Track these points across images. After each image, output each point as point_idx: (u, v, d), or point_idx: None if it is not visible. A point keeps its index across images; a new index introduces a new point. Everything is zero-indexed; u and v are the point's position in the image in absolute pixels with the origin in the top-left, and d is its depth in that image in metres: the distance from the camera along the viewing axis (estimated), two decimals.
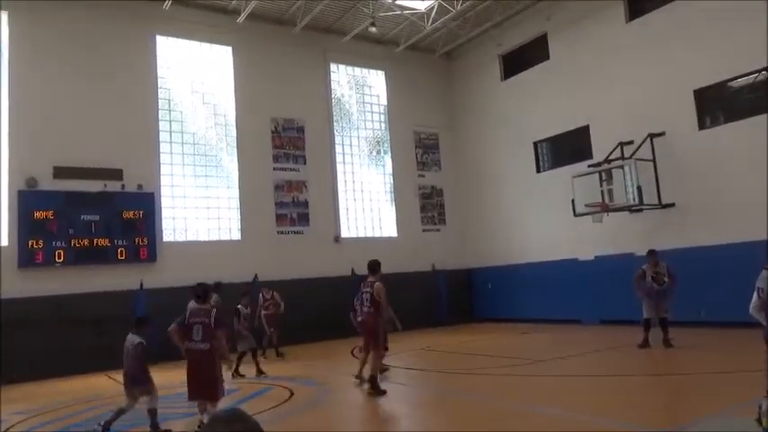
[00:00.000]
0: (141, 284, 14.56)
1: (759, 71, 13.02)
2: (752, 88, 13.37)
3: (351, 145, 19.72)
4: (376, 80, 20.60)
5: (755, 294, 5.28)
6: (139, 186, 15.32)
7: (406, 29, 18.87)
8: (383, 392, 8.46)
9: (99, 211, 14.54)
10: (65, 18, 14.87)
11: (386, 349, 9.61)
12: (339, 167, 19.18)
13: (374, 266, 9.15)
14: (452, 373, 10.25)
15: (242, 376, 10.98)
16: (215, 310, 6.96)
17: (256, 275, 16.32)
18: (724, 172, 13.21)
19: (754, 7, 12.60)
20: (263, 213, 17.31)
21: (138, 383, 7.10)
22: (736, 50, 13.00)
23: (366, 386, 8.68)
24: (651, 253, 11.27)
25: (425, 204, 20.79)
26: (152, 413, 7.02)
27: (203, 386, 6.70)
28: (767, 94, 13.07)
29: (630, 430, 5.83)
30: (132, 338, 7.16)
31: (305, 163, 18.31)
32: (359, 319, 9.33)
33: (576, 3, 16.87)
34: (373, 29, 17.84)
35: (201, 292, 7.10)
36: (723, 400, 6.64)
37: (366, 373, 8.97)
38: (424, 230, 20.48)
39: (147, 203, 15.30)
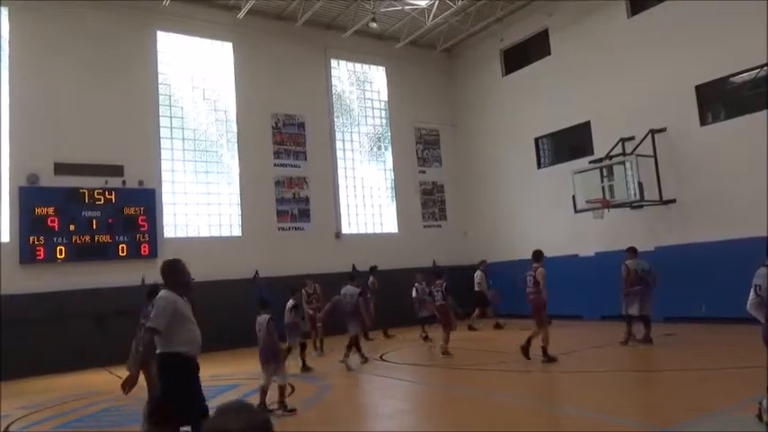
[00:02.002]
0: (143, 280, 14.52)
1: (761, 67, 12.97)
2: (754, 84, 13.34)
3: (351, 141, 19.70)
4: (377, 76, 20.56)
5: (753, 291, 5.24)
6: (140, 182, 15.32)
7: (406, 24, 18.82)
8: (555, 359, 9.71)
9: (100, 208, 14.55)
10: (65, 14, 14.84)
11: (549, 322, 10.66)
12: (340, 163, 19.17)
13: (538, 255, 10.53)
14: (455, 369, 10.27)
15: (309, 369, 11.00)
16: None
17: (257, 271, 16.34)
18: (725, 168, 13.19)
19: (756, 3, 12.55)
20: (263, 209, 17.31)
21: (273, 359, 7.52)
22: (737, 46, 12.96)
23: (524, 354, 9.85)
24: (633, 250, 11.41)
25: (426, 200, 20.78)
26: (281, 389, 7.39)
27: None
28: None
29: (632, 429, 5.83)
30: (262, 318, 7.66)
31: (305, 159, 18.29)
32: (529, 297, 10.42)
33: None
34: (374, 24, 17.80)
35: (151, 291, 6.89)
36: (724, 397, 6.64)
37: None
38: (424, 226, 20.48)
39: (148, 199, 15.30)
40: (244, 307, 15.82)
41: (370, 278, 15.44)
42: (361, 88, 20.26)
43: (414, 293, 14.62)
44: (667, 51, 14.44)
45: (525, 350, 9.97)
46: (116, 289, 14.07)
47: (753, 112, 12.91)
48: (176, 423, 4.82)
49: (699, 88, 13.96)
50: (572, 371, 9.31)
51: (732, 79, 13.69)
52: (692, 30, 13.90)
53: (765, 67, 12.92)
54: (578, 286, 15.71)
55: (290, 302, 11.02)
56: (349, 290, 11.31)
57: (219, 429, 1.49)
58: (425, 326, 14.16)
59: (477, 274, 16.32)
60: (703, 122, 13.95)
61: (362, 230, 19.31)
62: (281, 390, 7.46)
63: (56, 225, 13.97)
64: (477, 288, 16.25)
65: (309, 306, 13.23)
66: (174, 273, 5.07)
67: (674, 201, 14.17)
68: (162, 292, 4.98)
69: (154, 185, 15.58)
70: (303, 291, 13.36)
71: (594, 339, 12.46)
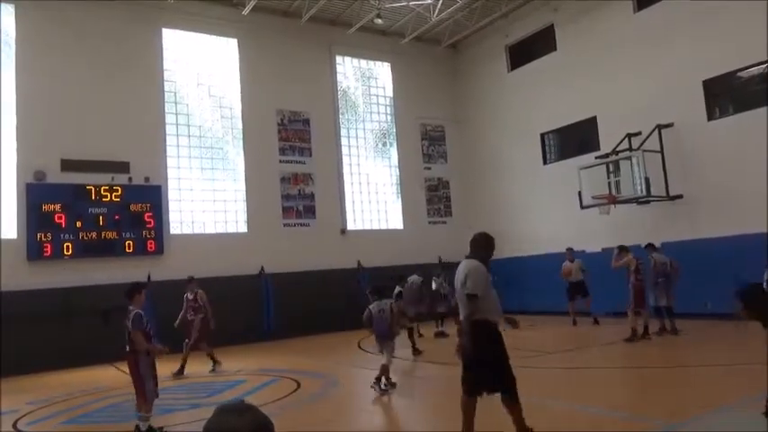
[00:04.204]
0: (149, 277, 14.62)
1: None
2: (761, 78, 13.23)
3: (357, 137, 19.69)
4: (382, 72, 20.52)
5: (766, 285, 5.20)
6: (146, 179, 15.37)
7: (411, 20, 18.77)
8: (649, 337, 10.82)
9: (106, 204, 14.62)
10: (72, 11, 14.89)
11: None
12: (345, 160, 19.17)
13: (623, 248, 11.77)
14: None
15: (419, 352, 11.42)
16: (135, 312, 6.55)
17: (263, 268, 16.39)
18: (733, 163, 13.10)
19: None
20: (269, 206, 17.33)
21: (389, 338, 8.38)
22: (745, 40, 12.85)
23: None
24: (652, 246, 11.97)
25: (431, 197, 20.75)
26: (384, 369, 8.08)
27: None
28: None
29: (637, 424, 5.81)
30: (380, 304, 8.47)
31: (311, 155, 18.30)
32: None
33: None
34: (379, 20, 17.75)
35: (131, 289, 6.80)
36: (730, 394, 6.62)
37: None
38: (430, 222, 20.46)
39: (155, 196, 15.35)
40: (250, 303, 16.00)
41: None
42: (366, 84, 20.24)
43: (433, 286, 14.45)
44: (674, 46, 14.35)
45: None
46: (122, 285, 13.88)
47: (761, 106, 12.82)
48: (487, 390, 5.08)
49: (706, 83, 13.87)
50: (577, 367, 9.29)
51: (740, 74, 13.58)
52: (699, 24, 13.80)
53: None
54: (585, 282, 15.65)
55: (397, 289, 11.72)
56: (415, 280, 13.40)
57: (223, 429, 1.46)
58: (440, 321, 14.10)
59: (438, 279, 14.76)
60: (711, 117, 13.86)
61: (368, 227, 19.31)
62: (383, 368, 8.14)
63: (63, 222, 14.04)
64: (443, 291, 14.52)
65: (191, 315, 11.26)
66: (487, 245, 5.39)
67: (680, 196, 14.08)
68: (474, 262, 5.19)
69: (160, 182, 15.63)
70: (184, 296, 11.49)
71: (603, 336, 12.43)
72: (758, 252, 10.75)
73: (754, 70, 13.30)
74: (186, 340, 11.05)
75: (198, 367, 11.06)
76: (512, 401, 5.07)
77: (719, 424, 5.31)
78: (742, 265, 12.13)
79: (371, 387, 8.09)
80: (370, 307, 8.49)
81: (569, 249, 14.80)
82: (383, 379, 8.10)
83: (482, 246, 5.35)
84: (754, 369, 6.87)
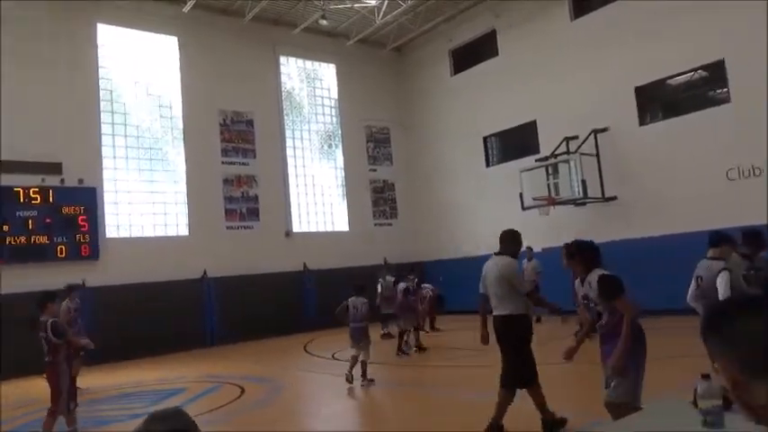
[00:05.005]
0: (83, 283, 13.97)
1: (695, 69, 13.64)
2: (688, 86, 14.01)
3: (302, 139, 19.52)
4: (327, 73, 20.44)
5: (694, 283, 5.42)
6: (80, 181, 14.70)
7: (356, 22, 18.78)
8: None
9: (36, 207, 13.89)
10: (1, 4, 14.07)
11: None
12: (290, 161, 18.96)
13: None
14: (408, 366, 10.32)
15: (406, 354, 11.17)
16: (51, 321, 6.35)
17: (205, 271, 16.00)
18: (663, 166, 13.78)
19: (691, 7, 13.16)
20: (211, 208, 16.92)
21: (366, 338, 8.68)
22: (674, 49, 13.56)
23: None
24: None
25: (377, 198, 20.82)
26: (363, 365, 8.52)
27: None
28: (702, 91, 13.73)
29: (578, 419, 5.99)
30: (359, 300, 8.76)
31: (255, 157, 18.00)
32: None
33: (524, 1, 17.19)
34: (324, 21, 17.68)
35: (43, 298, 6.52)
36: (660, 386, 6.92)
37: None
38: (375, 224, 20.52)
39: (89, 198, 14.70)
40: (192, 308, 15.58)
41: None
42: (311, 85, 20.10)
43: (378, 289, 13.83)
44: (608, 53, 14.97)
45: None
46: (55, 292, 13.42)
47: (688, 112, 13.57)
48: (521, 386, 5.40)
49: (638, 89, 14.54)
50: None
51: (669, 81, 14.32)
52: (632, 33, 14.45)
53: (699, 70, 13.60)
54: None
55: (402, 285, 11.52)
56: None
57: None
58: (388, 323, 13.89)
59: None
60: (642, 122, 14.54)
61: (313, 229, 19.17)
62: (363, 365, 8.59)
63: None
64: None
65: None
66: (515, 241, 5.66)
67: (615, 198, 14.69)
68: (508, 259, 5.51)
69: (95, 184, 14.98)
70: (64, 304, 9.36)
71: (539, 333, 12.75)
72: (686, 250, 11.32)
73: (682, 78, 14.05)
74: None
75: (140, 376, 10.67)
76: (538, 390, 5.47)
77: (649, 413, 5.54)
78: (671, 262, 12.80)
79: (361, 384, 8.46)
80: (349, 300, 8.80)
81: (529, 248, 14.62)
82: (365, 373, 8.58)
83: (513, 241, 5.66)
84: (683, 361, 7.22)
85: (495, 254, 5.65)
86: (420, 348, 11.67)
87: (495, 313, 5.50)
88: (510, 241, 5.65)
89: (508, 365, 5.45)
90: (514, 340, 5.40)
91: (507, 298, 5.39)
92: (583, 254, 4.44)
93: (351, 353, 8.78)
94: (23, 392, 10.74)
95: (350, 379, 8.42)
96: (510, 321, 5.39)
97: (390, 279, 13.48)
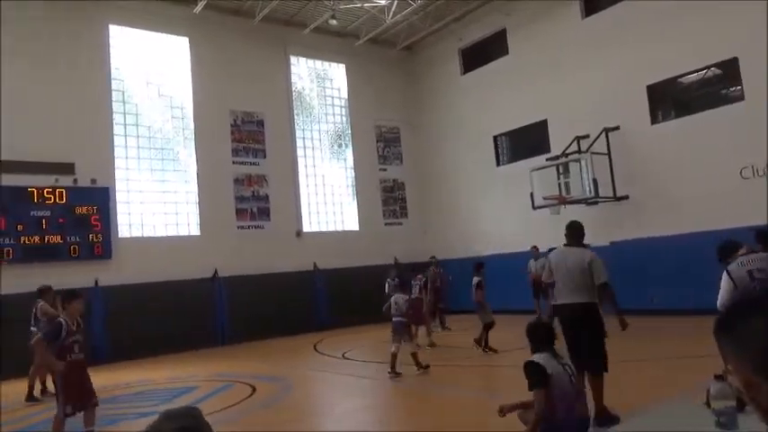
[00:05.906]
0: (96, 282, 14.14)
1: (708, 67, 13.52)
2: (701, 84, 13.88)
3: (312, 138, 19.57)
4: (337, 73, 20.47)
5: (748, 277, 4.88)
6: (93, 181, 14.84)
7: (366, 22, 18.79)
8: None
9: (50, 207, 14.04)
10: (14, 6, 14.22)
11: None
12: (300, 161, 19.02)
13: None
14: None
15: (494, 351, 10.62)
16: (61, 320, 6.22)
17: (216, 271, 16.09)
18: (675, 165, 13.67)
19: (705, 5, 13.05)
20: (222, 208, 17.02)
21: (408, 331, 9.28)
22: (686, 47, 13.45)
23: None
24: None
25: (387, 198, 20.83)
26: (414, 357, 9.07)
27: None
28: (716, 89, 13.61)
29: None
30: (398, 297, 9.38)
31: (265, 157, 18.07)
32: None
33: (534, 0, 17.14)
34: (334, 21, 17.71)
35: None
36: (675, 386, 6.88)
37: None
38: (386, 224, 20.53)
39: (102, 198, 14.83)
40: (203, 307, 15.67)
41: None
42: (321, 85, 20.14)
43: (386, 289, 13.42)
44: (620, 51, 14.86)
45: None
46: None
47: (700, 111, 13.44)
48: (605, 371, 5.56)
49: (650, 88, 14.43)
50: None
51: (681, 79, 14.20)
52: (643, 30, 14.34)
53: (712, 68, 13.48)
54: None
55: (475, 279, 11.44)
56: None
57: None
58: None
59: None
60: (654, 121, 14.43)
61: (323, 228, 19.22)
62: (415, 356, 9.11)
63: (2, 225, 13.40)
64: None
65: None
66: (581, 232, 5.98)
67: (626, 197, 14.59)
68: (585, 251, 5.80)
69: (107, 184, 15.11)
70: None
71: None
72: (698, 250, 11.24)
73: (695, 76, 13.93)
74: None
75: (151, 374, 10.75)
76: (602, 381, 5.58)
77: (664, 413, 5.51)
78: (683, 262, 12.71)
79: (416, 372, 8.96)
80: (392, 298, 9.48)
81: (534, 248, 14.89)
82: (419, 363, 9.05)
83: (581, 232, 5.97)
84: (697, 362, 7.17)
85: (565, 245, 5.93)
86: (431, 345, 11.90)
87: (569, 301, 5.66)
88: (579, 233, 5.96)
89: (592, 351, 5.52)
90: (597, 325, 5.58)
91: (587, 287, 5.59)
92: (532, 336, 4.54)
93: (390, 349, 9.05)
94: (23, 392, 10.83)
95: (394, 373, 8.90)
96: (592, 308, 5.60)
97: (393, 282, 12.56)
